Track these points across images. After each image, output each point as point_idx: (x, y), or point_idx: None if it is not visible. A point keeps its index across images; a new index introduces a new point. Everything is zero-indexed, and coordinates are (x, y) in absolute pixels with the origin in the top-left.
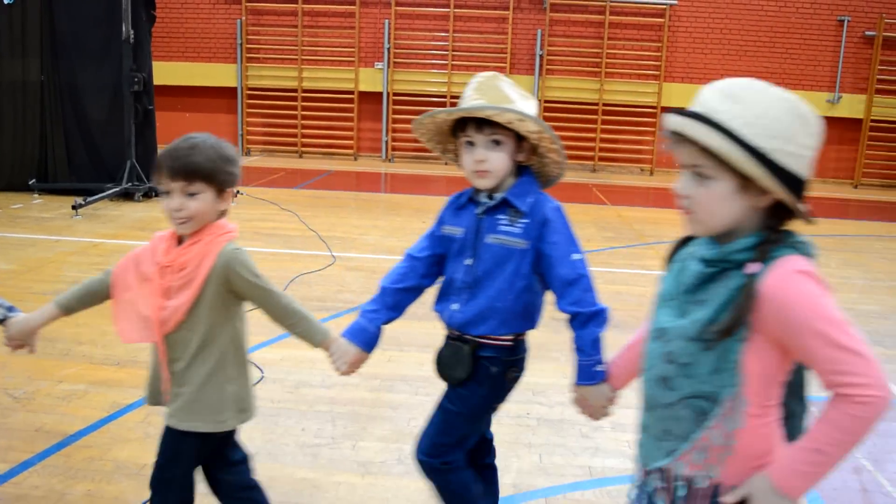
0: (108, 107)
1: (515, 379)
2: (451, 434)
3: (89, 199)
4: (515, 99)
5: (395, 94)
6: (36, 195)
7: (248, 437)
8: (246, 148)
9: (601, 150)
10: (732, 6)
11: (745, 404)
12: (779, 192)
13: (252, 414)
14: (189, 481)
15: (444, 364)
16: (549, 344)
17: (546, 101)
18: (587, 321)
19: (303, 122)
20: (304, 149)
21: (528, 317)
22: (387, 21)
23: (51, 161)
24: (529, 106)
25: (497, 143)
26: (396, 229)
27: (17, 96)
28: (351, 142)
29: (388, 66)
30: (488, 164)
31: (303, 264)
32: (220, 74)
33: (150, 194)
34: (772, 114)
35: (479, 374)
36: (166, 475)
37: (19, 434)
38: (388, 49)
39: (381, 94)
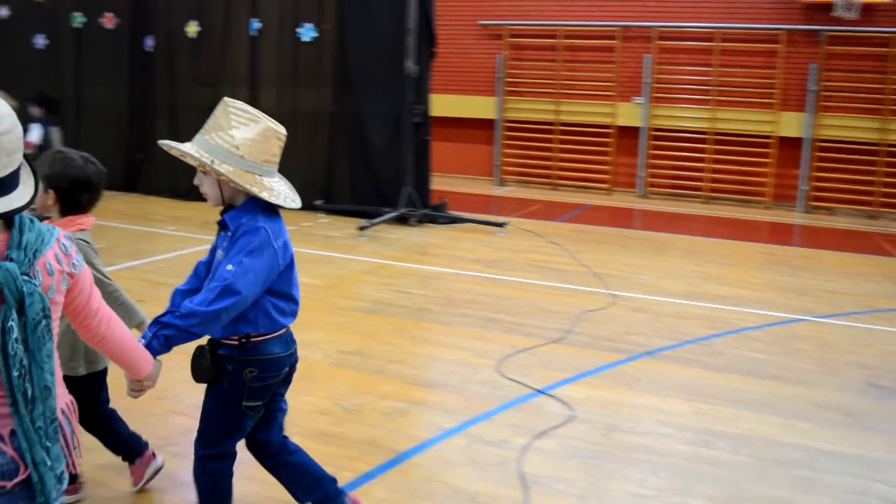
0: (388, 136)
1: (255, 379)
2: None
3: (373, 221)
4: (232, 126)
5: (653, 130)
6: (321, 215)
7: (572, 476)
8: (501, 178)
9: (883, 194)
10: None
11: None
12: None
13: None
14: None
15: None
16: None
17: (819, 140)
18: (181, 312)
19: (559, 154)
20: (558, 181)
21: (248, 321)
22: (647, 55)
23: (335, 184)
24: (239, 133)
25: (204, 171)
26: (671, 270)
27: (310, 124)
28: (606, 176)
29: (648, 101)
30: (203, 188)
31: (582, 301)
32: (479, 107)
33: (423, 220)
34: None
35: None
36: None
37: (356, 445)
38: (648, 83)
39: (638, 128)
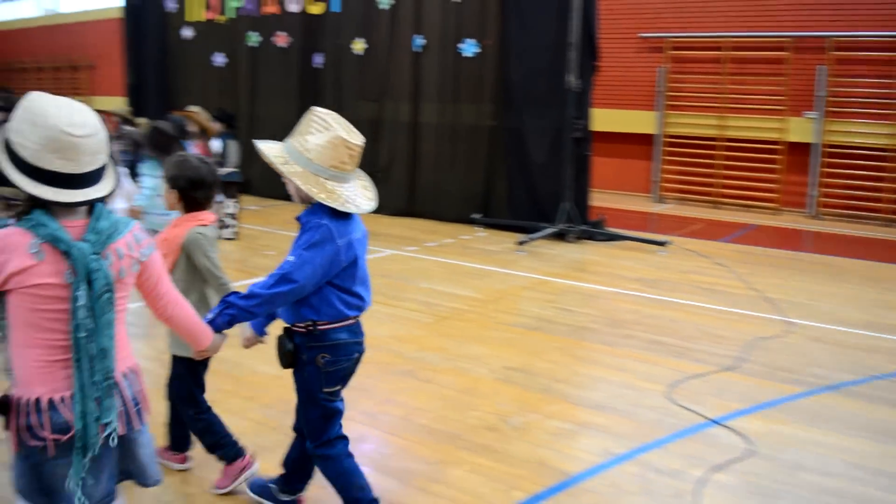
0: (548, 151)
1: (329, 364)
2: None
3: (532, 236)
4: (309, 132)
5: (827, 146)
6: (479, 229)
7: None
8: (660, 195)
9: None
10: None
11: None
12: None
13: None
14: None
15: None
16: None
17: None
18: (244, 294)
19: (722, 171)
20: (720, 199)
21: (311, 307)
22: (821, 67)
23: (493, 198)
24: (312, 139)
25: None
26: (850, 298)
27: (470, 138)
28: (774, 195)
29: (822, 116)
30: (287, 186)
31: (754, 327)
32: (638, 121)
33: (581, 236)
34: None
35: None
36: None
37: (525, 464)
38: (822, 97)
39: (810, 145)
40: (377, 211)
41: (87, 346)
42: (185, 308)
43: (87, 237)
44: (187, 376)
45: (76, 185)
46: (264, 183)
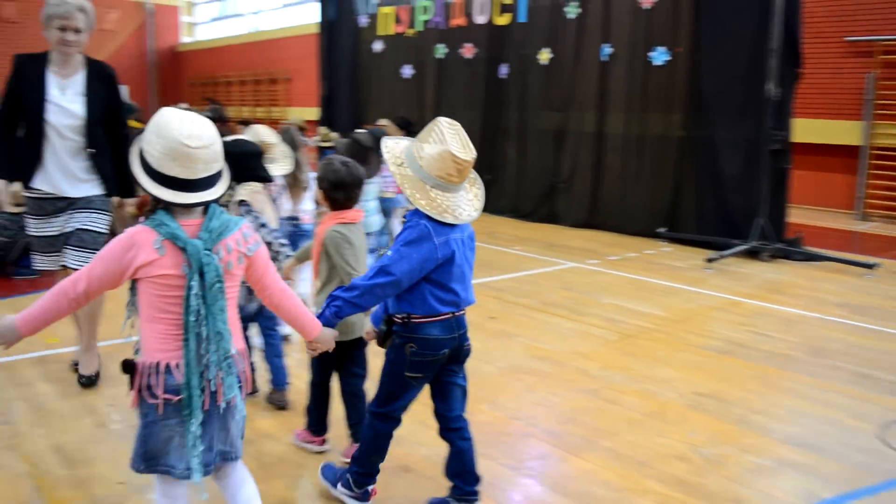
0: (742, 163)
1: (415, 354)
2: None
3: (722, 253)
4: (427, 141)
5: None
6: (664, 243)
7: None
8: (865, 213)
9: None
10: None
11: None
12: None
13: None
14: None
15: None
16: None
17: None
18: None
19: None
20: None
21: (407, 301)
22: None
23: (680, 211)
24: (428, 147)
25: None
26: None
27: (657, 149)
28: None
29: None
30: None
31: None
32: (841, 132)
33: (776, 255)
34: None
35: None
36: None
37: (721, 502)
38: None
39: None
40: (557, 221)
41: (196, 327)
42: (291, 299)
43: (200, 235)
44: (319, 360)
45: (192, 188)
46: None
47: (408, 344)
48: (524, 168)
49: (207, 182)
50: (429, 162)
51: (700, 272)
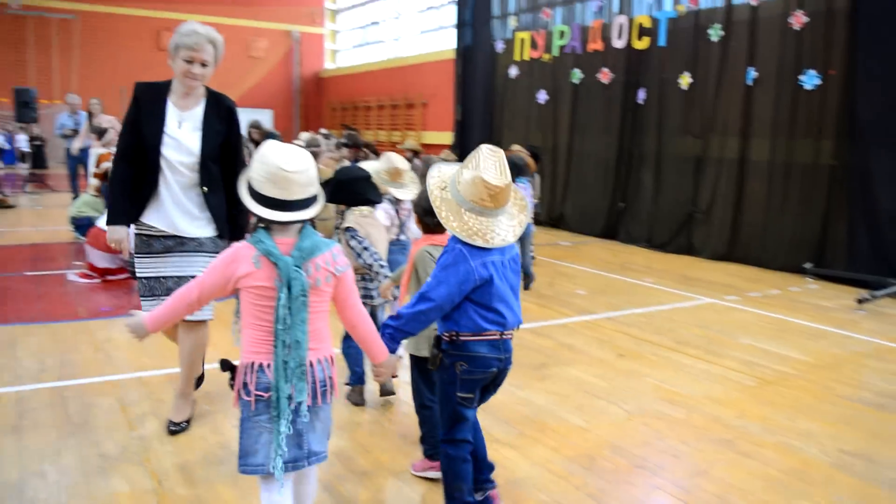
0: None
1: (465, 372)
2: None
3: (876, 293)
4: (467, 167)
5: None
6: (810, 280)
7: None
8: None
9: None
10: None
11: None
12: None
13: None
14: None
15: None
16: None
17: None
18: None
19: None
20: None
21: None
22: None
23: (829, 246)
24: (466, 173)
25: None
26: None
27: (805, 178)
28: None
29: None
30: None
31: None
32: None
33: None
34: None
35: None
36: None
37: None
38: None
39: None
40: (694, 253)
41: (283, 334)
42: (367, 323)
43: (293, 253)
44: (418, 374)
45: (288, 208)
46: (577, 219)
47: (458, 362)
48: (660, 196)
49: (302, 204)
50: (465, 187)
51: (850, 314)
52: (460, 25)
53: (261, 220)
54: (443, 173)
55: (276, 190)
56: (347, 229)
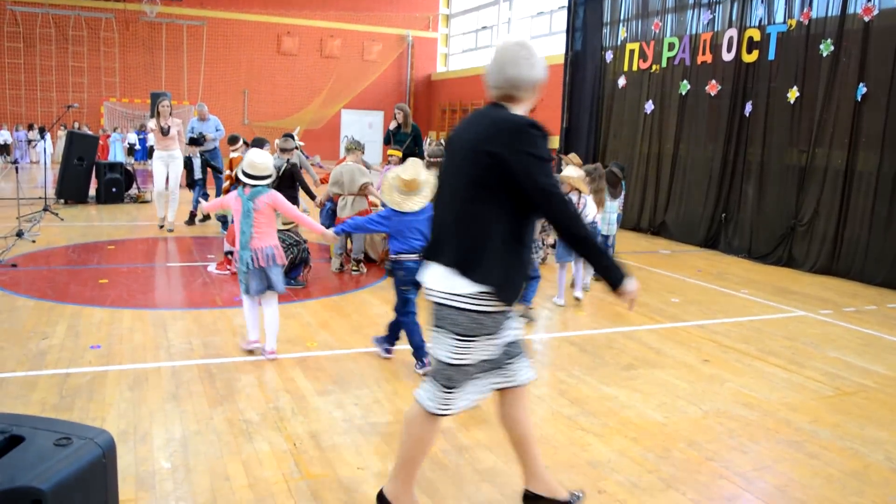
0: None
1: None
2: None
3: None
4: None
5: None
6: None
7: None
8: None
9: None
10: None
11: None
12: None
13: None
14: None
15: None
16: None
17: None
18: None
19: None
20: None
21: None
22: None
23: None
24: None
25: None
26: None
27: None
28: None
29: None
30: None
31: None
32: None
33: None
34: None
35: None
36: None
37: None
38: None
39: None
40: (793, 265)
41: (242, 230)
42: (301, 217)
43: (248, 194)
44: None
45: (250, 178)
46: (678, 228)
47: (398, 271)
48: (762, 207)
49: (257, 178)
50: (393, 179)
51: None
52: (570, 31)
53: (242, 182)
54: (393, 172)
55: (248, 170)
56: None
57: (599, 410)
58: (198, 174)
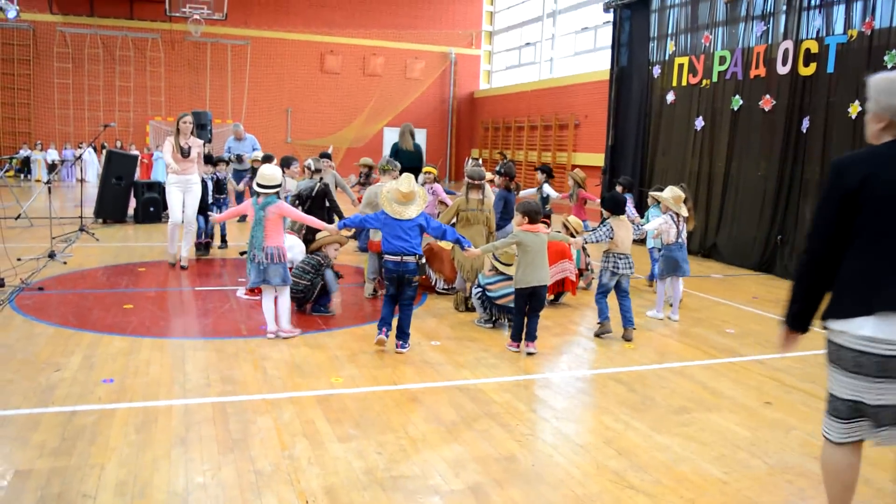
0: None
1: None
2: None
3: None
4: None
5: None
6: None
7: None
8: None
9: None
10: None
11: None
12: None
13: None
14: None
15: None
16: None
17: None
18: None
19: None
20: None
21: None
22: None
23: None
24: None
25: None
26: None
27: None
28: None
29: None
30: None
31: None
32: None
33: None
34: None
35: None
36: None
37: None
38: None
39: None
40: None
41: (253, 233)
42: (300, 216)
43: (260, 203)
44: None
45: (263, 188)
46: (731, 250)
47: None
48: None
49: (268, 188)
50: (391, 192)
51: None
52: (616, 46)
53: (257, 192)
54: (388, 186)
55: (260, 181)
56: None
57: (651, 464)
58: (210, 198)
